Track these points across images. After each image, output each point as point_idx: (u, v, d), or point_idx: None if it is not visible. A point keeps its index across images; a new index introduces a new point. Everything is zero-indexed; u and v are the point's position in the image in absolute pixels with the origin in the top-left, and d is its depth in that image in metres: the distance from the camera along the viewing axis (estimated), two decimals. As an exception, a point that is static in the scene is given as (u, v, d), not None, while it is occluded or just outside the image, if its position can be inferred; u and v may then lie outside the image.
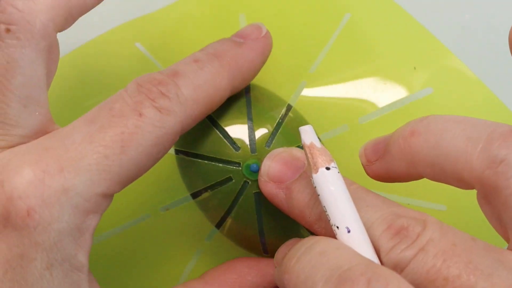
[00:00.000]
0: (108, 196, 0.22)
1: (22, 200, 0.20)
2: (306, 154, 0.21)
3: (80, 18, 0.24)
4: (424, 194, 0.26)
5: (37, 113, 0.22)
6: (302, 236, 0.26)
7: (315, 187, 0.20)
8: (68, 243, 0.21)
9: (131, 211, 0.28)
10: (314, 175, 0.20)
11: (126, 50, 0.29)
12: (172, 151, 0.27)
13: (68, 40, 0.27)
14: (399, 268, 0.19)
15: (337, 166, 0.20)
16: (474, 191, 0.25)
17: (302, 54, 0.29)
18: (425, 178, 0.22)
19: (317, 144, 0.21)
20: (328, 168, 0.20)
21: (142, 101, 0.22)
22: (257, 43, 0.26)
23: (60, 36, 0.23)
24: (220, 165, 0.25)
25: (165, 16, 0.30)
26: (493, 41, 0.31)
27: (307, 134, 0.21)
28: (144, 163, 0.22)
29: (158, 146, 0.22)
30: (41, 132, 0.22)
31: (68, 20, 0.23)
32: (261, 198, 0.25)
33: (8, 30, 0.21)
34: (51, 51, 0.23)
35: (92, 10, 0.24)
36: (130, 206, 0.28)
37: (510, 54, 0.21)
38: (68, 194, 0.20)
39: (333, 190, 0.20)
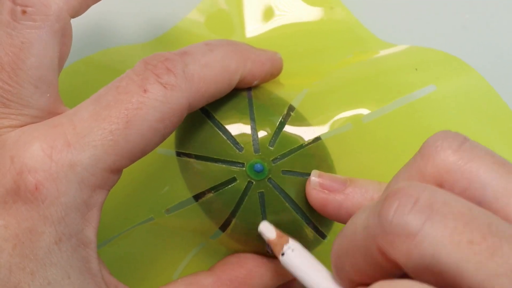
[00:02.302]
0: (115, 171, 0.22)
1: (31, 175, 0.21)
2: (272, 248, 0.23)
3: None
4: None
5: (48, 95, 0.23)
6: (306, 236, 0.26)
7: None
8: (76, 218, 0.21)
9: (133, 215, 0.28)
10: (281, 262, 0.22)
11: None
12: (173, 153, 0.26)
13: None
14: None
15: (293, 245, 0.22)
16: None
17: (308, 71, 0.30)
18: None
19: (272, 235, 0.23)
20: (283, 254, 0.22)
21: (147, 78, 0.22)
22: (269, 52, 0.27)
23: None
24: (224, 166, 0.25)
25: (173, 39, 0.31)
26: (492, 41, 0.31)
27: (267, 230, 0.23)
28: (150, 138, 0.22)
29: (164, 122, 0.22)
30: (52, 113, 0.23)
31: (82, 5, 0.24)
32: (265, 198, 0.25)
33: (24, 12, 0.22)
34: (65, 35, 0.23)
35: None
36: (132, 209, 0.28)
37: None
38: (74, 169, 0.21)
39: (294, 271, 0.22)
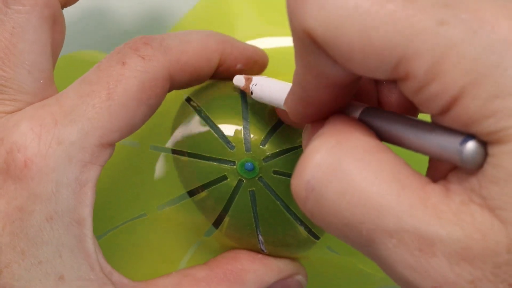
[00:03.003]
0: (105, 146, 0.22)
1: (20, 152, 0.21)
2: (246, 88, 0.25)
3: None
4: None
5: (41, 81, 0.23)
6: (299, 235, 0.26)
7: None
8: (67, 195, 0.21)
9: (126, 211, 0.28)
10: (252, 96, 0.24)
11: None
12: (168, 151, 0.27)
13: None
14: None
15: (255, 81, 0.24)
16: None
17: None
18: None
19: (242, 83, 0.25)
20: (251, 93, 0.24)
21: (126, 53, 0.23)
22: (252, 45, 0.27)
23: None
24: (215, 163, 0.25)
25: None
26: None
27: (237, 81, 0.25)
28: (134, 109, 0.22)
29: (146, 92, 0.22)
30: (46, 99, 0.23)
31: None
32: (256, 196, 0.25)
33: None
34: (56, 22, 0.24)
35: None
36: (125, 205, 0.28)
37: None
38: (63, 145, 0.21)
39: (264, 101, 0.24)
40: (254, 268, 0.26)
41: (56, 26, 0.24)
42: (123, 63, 0.22)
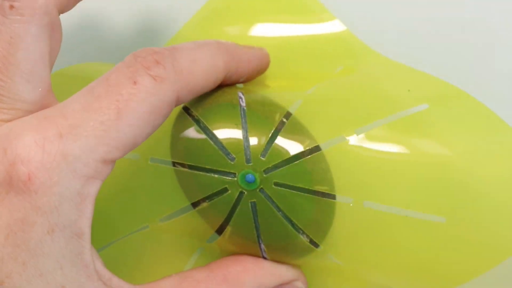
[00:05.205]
0: (108, 162, 0.22)
1: (23, 165, 0.21)
2: None
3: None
4: (422, 205, 0.26)
5: (40, 89, 0.23)
6: (301, 244, 0.26)
7: None
8: (69, 208, 0.21)
9: (128, 223, 0.28)
10: None
11: None
12: (169, 163, 0.27)
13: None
14: None
15: None
16: (473, 204, 0.25)
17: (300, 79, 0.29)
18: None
19: None
20: None
21: (137, 70, 0.22)
22: (256, 49, 0.27)
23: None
24: (216, 176, 0.25)
25: None
26: (492, 40, 0.31)
27: None
28: (140, 129, 0.22)
29: (154, 114, 0.22)
30: (44, 108, 0.23)
31: (70, 0, 0.24)
32: (257, 208, 0.25)
33: (11, 7, 0.22)
34: (54, 29, 0.24)
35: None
36: (127, 218, 0.28)
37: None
38: (67, 159, 0.21)
39: None
40: (254, 271, 0.26)
41: (54, 33, 0.24)
42: (135, 82, 0.22)
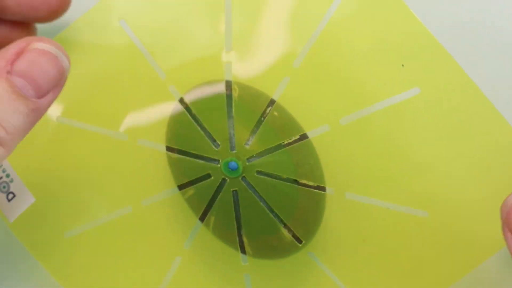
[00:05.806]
0: None
1: None
2: None
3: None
4: (405, 199, 0.26)
5: None
6: (283, 237, 0.26)
7: None
8: None
9: (110, 204, 0.28)
10: None
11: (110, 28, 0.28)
12: (162, 147, 0.27)
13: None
14: None
15: None
16: (456, 198, 0.25)
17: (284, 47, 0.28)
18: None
19: None
20: None
21: None
22: None
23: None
24: (200, 161, 0.26)
25: None
26: (493, 40, 0.31)
27: None
28: None
29: None
30: None
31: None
32: (239, 197, 0.25)
33: None
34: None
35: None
36: (109, 199, 0.28)
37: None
38: None
39: None
40: None
41: None
42: None
